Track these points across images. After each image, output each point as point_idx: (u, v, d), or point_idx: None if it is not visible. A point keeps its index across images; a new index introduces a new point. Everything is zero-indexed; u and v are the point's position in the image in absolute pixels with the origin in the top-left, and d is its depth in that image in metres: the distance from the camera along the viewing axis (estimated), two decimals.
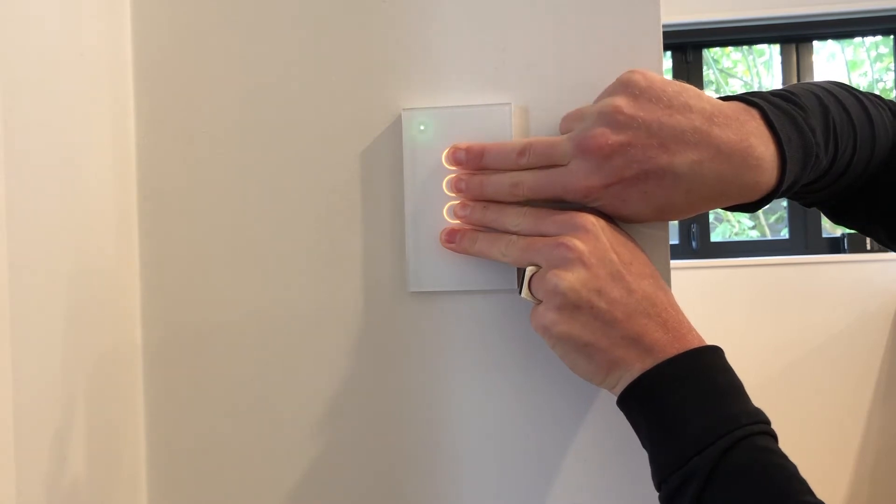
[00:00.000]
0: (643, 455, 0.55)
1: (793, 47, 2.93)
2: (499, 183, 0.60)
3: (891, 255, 2.76)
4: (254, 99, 0.68)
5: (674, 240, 2.89)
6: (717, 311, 2.74)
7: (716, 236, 3.07)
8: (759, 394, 2.53)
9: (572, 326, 0.54)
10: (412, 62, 0.66)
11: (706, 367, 0.54)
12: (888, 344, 2.72)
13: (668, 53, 2.95)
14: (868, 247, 2.79)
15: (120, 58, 0.68)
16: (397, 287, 0.66)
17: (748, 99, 0.57)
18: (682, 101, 0.54)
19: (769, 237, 3.13)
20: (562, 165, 0.57)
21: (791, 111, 0.56)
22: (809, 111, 0.57)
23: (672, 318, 0.55)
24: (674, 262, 0.69)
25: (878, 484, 2.81)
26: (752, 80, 3.20)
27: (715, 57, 3.21)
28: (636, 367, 0.54)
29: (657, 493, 0.54)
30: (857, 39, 3.09)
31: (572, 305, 0.54)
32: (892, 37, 2.98)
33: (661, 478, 0.53)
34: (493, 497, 0.66)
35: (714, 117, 0.54)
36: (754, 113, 0.55)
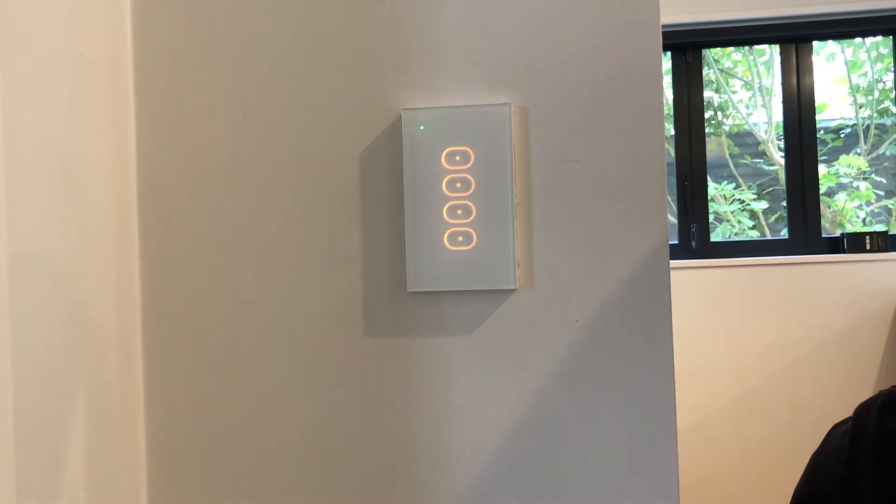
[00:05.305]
0: (643, 455, 0.55)
1: (792, 47, 2.93)
2: None
3: (891, 254, 2.76)
4: (254, 99, 0.68)
5: (674, 240, 2.89)
6: (716, 311, 2.73)
7: (716, 236, 3.07)
8: (760, 393, 2.51)
9: None
10: (412, 62, 0.66)
11: None
12: (888, 344, 2.72)
13: (668, 53, 2.95)
14: (868, 247, 2.79)
15: (120, 58, 0.68)
16: (397, 287, 0.66)
17: None
18: None
19: (769, 237, 3.13)
20: None
21: None
22: None
23: None
24: (674, 262, 0.69)
25: None
26: (752, 80, 3.20)
27: (716, 57, 3.21)
28: None
29: (658, 494, 0.54)
30: (858, 39, 3.09)
31: None
32: (891, 37, 2.98)
33: None
34: (492, 496, 0.66)
35: None
36: None
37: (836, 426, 0.65)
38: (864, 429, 0.60)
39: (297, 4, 0.67)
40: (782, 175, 3.01)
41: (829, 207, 3.13)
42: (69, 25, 0.61)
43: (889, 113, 3.15)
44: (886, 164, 3.14)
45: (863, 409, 0.62)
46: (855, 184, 3.11)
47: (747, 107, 3.24)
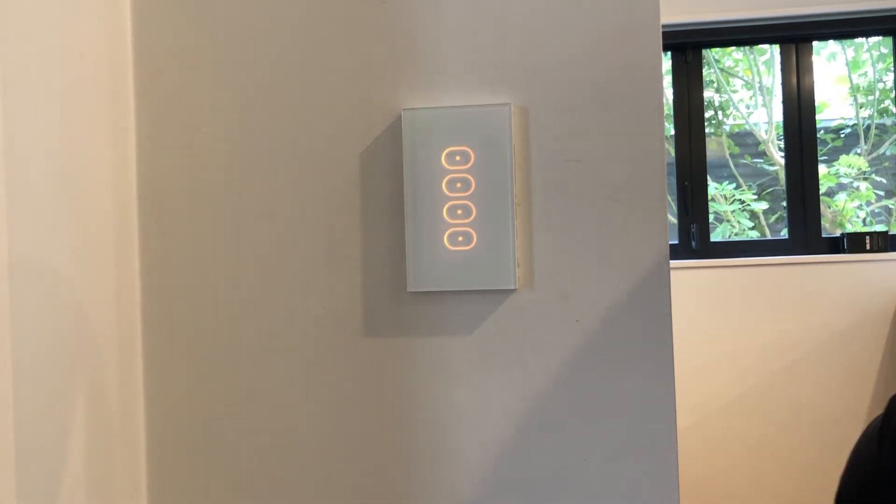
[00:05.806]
0: (643, 455, 0.55)
1: (792, 47, 2.93)
2: None
3: (891, 254, 2.76)
4: (254, 99, 0.68)
5: (674, 240, 2.88)
6: (716, 311, 2.73)
7: (716, 236, 3.07)
8: (760, 393, 2.51)
9: None
10: (412, 62, 0.66)
11: None
12: (888, 344, 2.72)
13: (668, 53, 2.95)
14: (868, 247, 2.78)
15: (120, 58, 0.68)
16: (397, 287, 0.66)
17: None
18: None
19: (769, 237, 3.13)
20: None
21: None
22: None
23: None
24: (674, 262, 0.69)
25: None
26: (753, 79, 3.20)
27: (716, 56, 3.21)
28: None
29: (658, 494, 0.54)
30: (858, 39, 3.08)
31: None
32: (892, 37, 2.98)
33: None
34: (492, 496, 0.66)
35: None
36: None
37: (873, 421, 0.64)
38: (892, 423, 0.59)
39: (297, 5, 0.67)
40: (782, 175, 3.01)
41: (829, 207, 3.13)
42: (69, 25, 0.61)
43: (889, 113, 3.15)
44: (886, 164, 3.14)
45: (893, 403, 0.61)
46: (855, 184, 3.11)
47: (748, 107, 3.23)
